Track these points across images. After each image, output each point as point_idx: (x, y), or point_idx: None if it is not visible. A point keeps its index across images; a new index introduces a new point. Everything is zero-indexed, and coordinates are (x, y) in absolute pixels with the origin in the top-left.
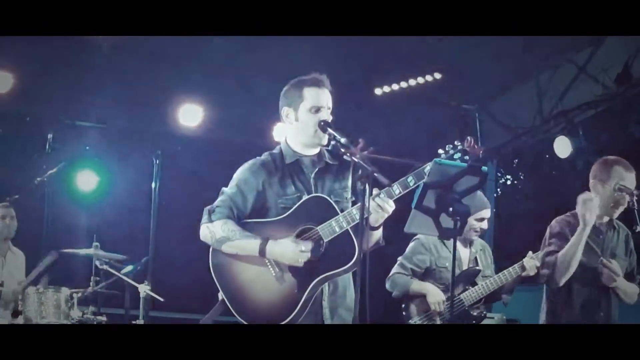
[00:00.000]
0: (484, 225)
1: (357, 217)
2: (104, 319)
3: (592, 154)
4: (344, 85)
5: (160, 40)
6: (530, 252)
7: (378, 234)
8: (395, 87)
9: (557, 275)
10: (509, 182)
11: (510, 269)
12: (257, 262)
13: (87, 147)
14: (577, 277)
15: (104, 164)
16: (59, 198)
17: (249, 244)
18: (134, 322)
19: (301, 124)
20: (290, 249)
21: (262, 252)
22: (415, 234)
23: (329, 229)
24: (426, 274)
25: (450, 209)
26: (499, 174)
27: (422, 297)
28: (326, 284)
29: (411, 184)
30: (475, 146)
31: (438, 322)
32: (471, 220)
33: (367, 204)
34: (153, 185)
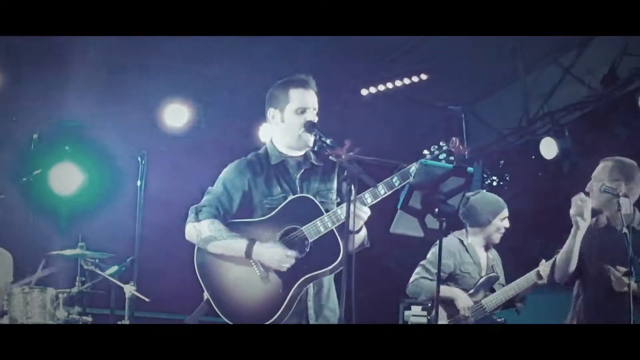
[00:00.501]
0: (506, 223)
1: (342, 217)
2: (89, 319)
3: (578, 155)
4: (330, 86)
5: (146, 40)
6: (543, 260)
7: (362, 236)
8: (381, 87)
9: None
10: (494, 183)
11: (527, 275)
12: (241, 262)
13: (67, 147)
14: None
15: (89, 164)
16: (45, 198)
17: (236, 245)
18: (119, 322)
19: (287, 125)
20: (277, 253)
21: (248, 253)
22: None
23: (314, 229)
24: (449, 279)
25: (436, 209)
26: (485, 175)
27: (448, 302)
28: (311, 284)
29: (396, 185)
30: (461, 147)
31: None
32: (497, 223)
33: (352, 205)
34: (138, 185)
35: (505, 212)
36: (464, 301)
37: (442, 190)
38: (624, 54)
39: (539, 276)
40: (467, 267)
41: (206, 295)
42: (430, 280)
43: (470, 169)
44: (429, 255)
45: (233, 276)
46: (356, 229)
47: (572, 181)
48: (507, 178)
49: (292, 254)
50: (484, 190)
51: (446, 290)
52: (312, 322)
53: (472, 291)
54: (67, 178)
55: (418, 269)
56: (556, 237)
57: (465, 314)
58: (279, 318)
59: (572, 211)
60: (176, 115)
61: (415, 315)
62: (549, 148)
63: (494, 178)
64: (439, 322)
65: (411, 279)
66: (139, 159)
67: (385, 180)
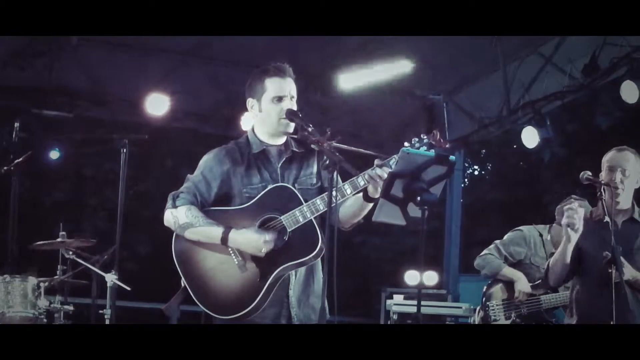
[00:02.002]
0: None
1: (321, 207)
2: (71, 308)
3: (559, 144)
4: (311, 75)
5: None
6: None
7: (369, 207)
8: (361, 76)
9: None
10: (476, 172)
11: None
12: (219, 249)
13: (55, 137)
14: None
15: (70, 154)
16: (26, 187)
17: (212, 231)
18: (101, 311)
19: (265, 114)
20: (254, 239)
21: (224, 240)
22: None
23: (293, 219)
24: (516, 266)
25: (418, 198)
26: (467, 164)
27: (508, 283)
28: (292, 272)
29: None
30: (442, 140)
31: (513, 314)
32: None
33: (334, 193)
34: (120, 174)
35: None
36: (523, 285)
37: (424, 179)
38: (605, 44)
39: None
40: (539, 260)
41: (183, 282)
42: (499, 259)
43: (452, 157)
44: (504, 237)
45: (210, 264)
46: (378, 193)
47: (553, 170)
48: (489, 167)
49: (269, 237)
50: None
51: (509, 271)
52: (293, 310)
53: (535, 284)
54: (48, 167)
55: (491, 246)
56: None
57: (520, 298)
58: (256, 307)
59: (563, 221)
60: (157, 104)
61: (397, 304)
62: (530, 137)
63: (476, 167)
64: (491, 302)
65: (481, 253)
66: (121, 148)
67: (365, 171)
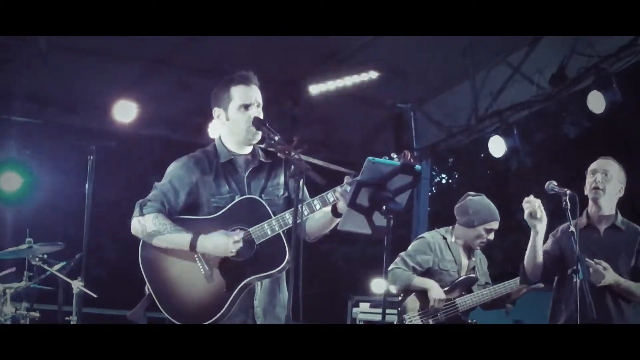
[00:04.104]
0: (491, 236)
1: (290, 221)
2: (37, 315)
3: (526, 153)
4: (279, 83)
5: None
6: None
7: (337, 221)
8: (331, 85)
9: (529, 277)
10: (443, 181)
11: (507, 282)
12: (186, 257)
13: (14, 142)
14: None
15: (37, 160)
16: None
17: (180, 238)
18: (67, 318)
19: (232, 122)
20: (222, 241)
21: (192, 246)
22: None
23: (261, 232)
24: (426, 274)
25: (384, 207)
26: (434, 173)
27: (421, 293)
28: (258, 282)
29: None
30: (411, 160)
31: (431, 322)
32: (479, 230)
33: (303, 207)
34: (87, 181)
35: (494, 225)
36: (436, 292)
37: (389, 188)
38: (573, 53)
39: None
40: (447, 264)
41: (148, 289)
42: (407, 271)
43: (418, 166)
44: (409, 248)
45: (176, 272)
46: (343, 210)
47: (520, 179)
48: (456, 176)
49: (238, 238)
50: (484, 196)
51: (420, 281)
52: (259, 320)
53: (447, 288)
54: (14, 174)
55: (397, 259)
56: (502, 234)
57: (435, 306)
58: (220, 317)
59: (525, 215)
60: (125, 111)
61: (363, 312)
62: (497, 146)
63: (443, 176)
64: (407, 314)
65: (389, 268)
66: (88, 155)
67: (335, 188)
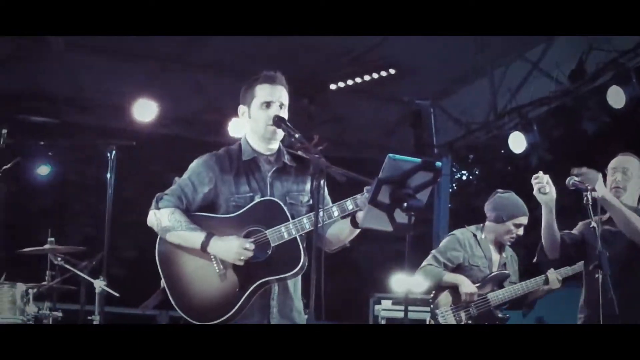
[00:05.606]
0: (520, 231)
1: (307, 226)
2: (59, 314)
3: (546, 149)
4: (298, 80)
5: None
6: (552, 269)
7: (356, 233)
8: (349, 82)
9: (548, 254)
10: (464, 177)
11: (534, 279)
12: (202, 255)
13: (42, 143)
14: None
15: (58, 160)
16: (14, 193)
17: (193, 237)
18: (89, 317)
19: (254, 120)
20: (234, 246)
21: (204, 246)
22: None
23: (277, 234)
24: (457, 270)
25: (405, 204)
26: (454, 170)
27: (453, 288)
28: (275, 283)
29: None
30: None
31: (463, 316)
32: (509, 225)
33: (322, 201)
34: (108, 180)
35: (523, 220)
36: (467, 287)
37: (410, 185)
38: (592, 49)
39: (547, 281)
40: (477, 260)
41: (163, 283)
42: (438, 267)
43: (438, 163)
44: (440, 245)
45: (191, 268)
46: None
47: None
48: (477, 172)
49: (250, 247)
50: (512, 192)
51: (450, 277)
52: (274, 322)
53: (479, 284)
54: (36, 174)
55: (428, 257)
56: (525, 229)
57: (467, 299)
58: (232, 316)
59: (534, 192)
60: (145, 110)
61: (385, 309)
62: (517, 142)
63: (463, 172)
64: (440, 309)
65: (421, 265)
66: (108, 154)
67: (354, 196)
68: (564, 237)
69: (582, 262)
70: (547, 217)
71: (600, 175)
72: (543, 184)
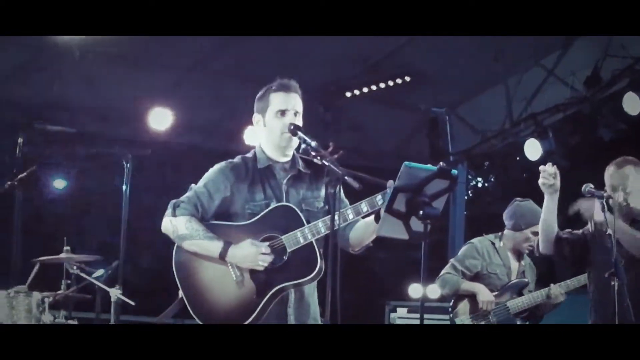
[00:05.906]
0: None
1: (323, 230)
2: (75, 323)
3: (562, 156)
4: (314, 88)
5: (129, 43)
6: (551, 285)
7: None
8: (365, 90)
9: (541, 248)
10: (479, 185)
11: (558, 284)
12: (219, 263)
13: (58, 152)
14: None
15: (74, 169)
16: (29, 202)
17: (211, 246)
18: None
19: (268, 128)
20: (252, 252)
21: (222, 255)
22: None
23: (293, 240)
24: (475, 279)
25: (421, 212)
26: (470, 177)
27: (471, 297)
28: (292, 290)
29: (379, 204)
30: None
31: (483, 324)
32: (527, 233)
33: (337, 209)
34: (123, 189)
35: None
36: (484, 295)
37: (426, 193)
38: (607, 56)
39: (548, 295)
40: (495, 268)
41: (181, 293)
42: (456, 276)
43: (454, 171)
44: (458, 253)
45: (208, 277)
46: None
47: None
48: (492, 179)
49: (267, 250)
50: (530, 201)
51: (468, 285)
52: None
53: (497, 292)
54: (52, 183)
55: (447, 266)
56: None
57: (485, 308)
58: (251, 323)
59: (539, 181)
60: (160, 118)
61: (401, 317)
62: (533, 149)
63: (479, 179)
64: (459, 317)
65: (440, 274)
66: (124, 162)
67: (369, 198)
68: (561, 233)
69: (586, 274)
70: (547, 208)
71: (597, 202)
72: (547, 179)
